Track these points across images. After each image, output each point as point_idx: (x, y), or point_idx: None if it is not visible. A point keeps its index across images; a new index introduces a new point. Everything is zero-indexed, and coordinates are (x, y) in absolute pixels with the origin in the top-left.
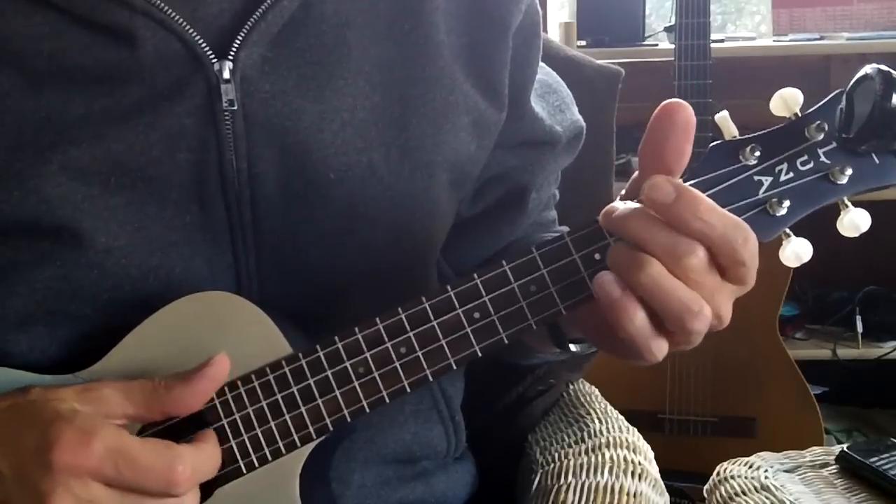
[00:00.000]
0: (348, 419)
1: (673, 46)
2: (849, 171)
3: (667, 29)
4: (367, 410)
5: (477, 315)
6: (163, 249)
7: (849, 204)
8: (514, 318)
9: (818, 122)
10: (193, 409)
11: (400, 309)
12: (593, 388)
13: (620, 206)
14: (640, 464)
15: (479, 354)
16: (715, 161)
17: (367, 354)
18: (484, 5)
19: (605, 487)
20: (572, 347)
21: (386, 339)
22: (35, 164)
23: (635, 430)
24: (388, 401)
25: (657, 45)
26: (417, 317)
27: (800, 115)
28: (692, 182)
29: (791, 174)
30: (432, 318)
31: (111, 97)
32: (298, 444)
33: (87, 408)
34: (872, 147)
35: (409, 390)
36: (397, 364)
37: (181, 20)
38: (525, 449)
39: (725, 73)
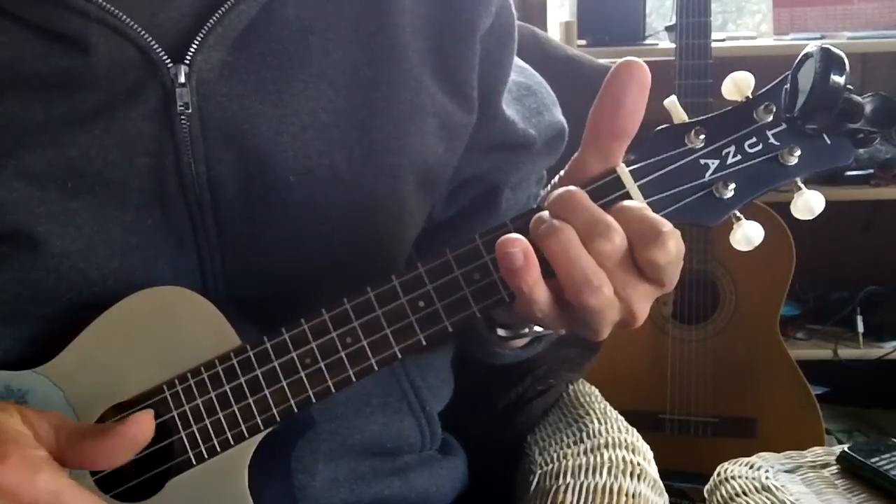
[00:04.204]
0: (295, 409)
1: (673, 46)
2: (798, 153)
3: (667, 28)
4: (314, 401)
5: (421, 304)
6: (123, 252)
7: (802, 185)
8: (457, 307)
9: (766, 103)
10: (106, 467)
11: (346, 299)
12: (593, 388)
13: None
14: (639, 464)
15: (424, 343)
16: (659, 145)
17: (314, 345)
18: (451, 7)
19: (603, 488)
20: (500, 332)
21: (332, 329)
22: None
23: (634, 430)
24: (334, 391)
25: (658, 44)
26: (362, 307)
27: (751, 97)
28: (636, 166)
29: (738, 157)
30: (377, 307)
31: (69, 103)
32: (247, 434)
33: (27, 432)
34: (820, 127)
35: (354, 380)
36: (342, 354)
37: (136, 26)
38: (524, 449)
39: (726, 72)
